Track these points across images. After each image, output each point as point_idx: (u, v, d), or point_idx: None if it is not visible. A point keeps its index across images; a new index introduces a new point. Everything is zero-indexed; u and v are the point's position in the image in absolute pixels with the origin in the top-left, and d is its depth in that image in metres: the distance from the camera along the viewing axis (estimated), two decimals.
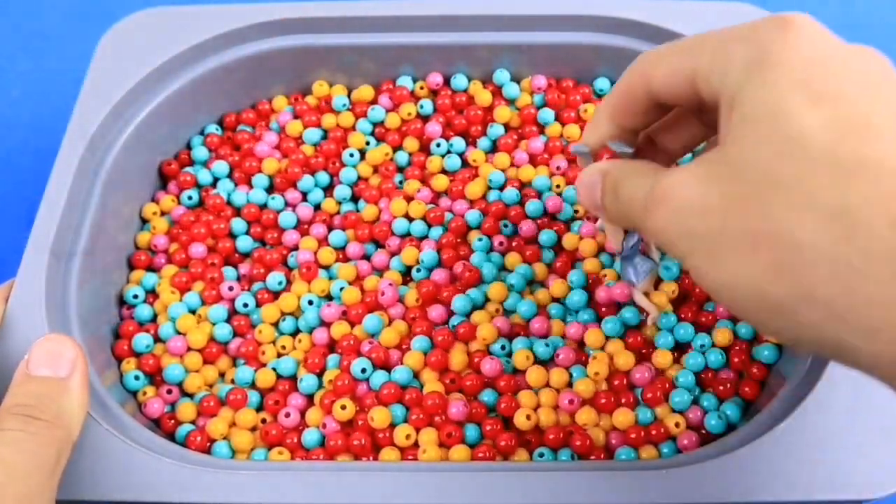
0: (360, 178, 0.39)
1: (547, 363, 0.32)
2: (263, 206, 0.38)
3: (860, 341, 0.17)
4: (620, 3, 0.38)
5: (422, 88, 0.40)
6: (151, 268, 0.37)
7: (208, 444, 0.31)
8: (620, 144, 0.25)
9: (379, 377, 0.32)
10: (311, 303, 0.34)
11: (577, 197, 0.26)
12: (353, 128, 0.40)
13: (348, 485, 0.27)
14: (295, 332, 0.35)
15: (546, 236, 0.35)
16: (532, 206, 0.36)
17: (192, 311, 0.35)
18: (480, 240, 0.35)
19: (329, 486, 0.27)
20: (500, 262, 0.35)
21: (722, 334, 0.32)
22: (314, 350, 0.33)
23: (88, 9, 0.53)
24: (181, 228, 0.37)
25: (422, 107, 0.40)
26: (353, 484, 0.27)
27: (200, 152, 0.40)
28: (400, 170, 0.39)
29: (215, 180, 0.39)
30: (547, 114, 0.39)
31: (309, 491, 0.27)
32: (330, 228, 0.37)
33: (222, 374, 0.34)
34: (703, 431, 0.31)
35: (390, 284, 0.34)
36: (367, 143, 0.40)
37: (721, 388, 0.31)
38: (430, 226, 0.37)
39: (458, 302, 0.33)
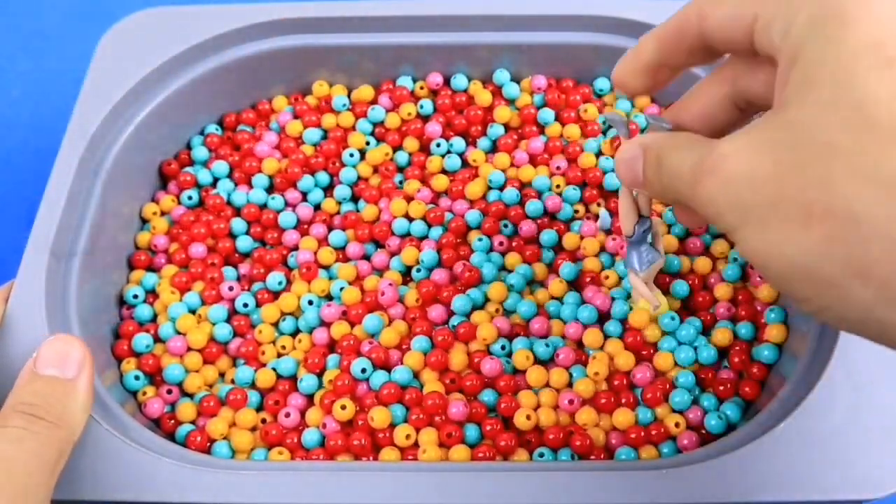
0: (360, 178, 0.39)
1: (547, 363, 0.32)
2: (263, 206, 0.38)
3: None
4: (620, 3, 0.38)
5: (422, 88, 0.40)
6: (151, 268, 0.37)
7: (208, 444, 0.31)
8: (659, 119, 0.25)
9: (379, 377, 0.32)
10: (311, 303, 0.34)
11: (616, 173, 0.25)
12: (353, 128, 0.40)
13: (348, 485, 0.27)
14: (295, 332, 0.35)
15: (546, 236, 0.35)
16: (532, 206, 0.36)
17: (192, 311, 0.35)
18: (480, 240, 0.35)
19: (329, 486, 0.27)
20: (500, 262, 0.35)
21: (722, 334, 0.32)
22: (314, 350, 0.33)
23: (88, 9, 0.53)
24: (181, 228, 0.37)
25: (422, 107, 0.40)
26: (353, 484, 0.27)
27: (200, 152, 0.40)
28: (400, 170, 0.39)
29: (215, 180, 0.39)
30: (547, 114, 0.39)
31: (309, 491, 0.27)
32: (330, 228, 0.37)
33: (222, 374, 0.34)
34: (703, 431, 0.31)
35: (390, 284, 0.34)
36: (367, 143, 0.40)
37: (721, 388, 0.31)
38: (430, 226, 0.37)
39: (458, 302, 0.33)
